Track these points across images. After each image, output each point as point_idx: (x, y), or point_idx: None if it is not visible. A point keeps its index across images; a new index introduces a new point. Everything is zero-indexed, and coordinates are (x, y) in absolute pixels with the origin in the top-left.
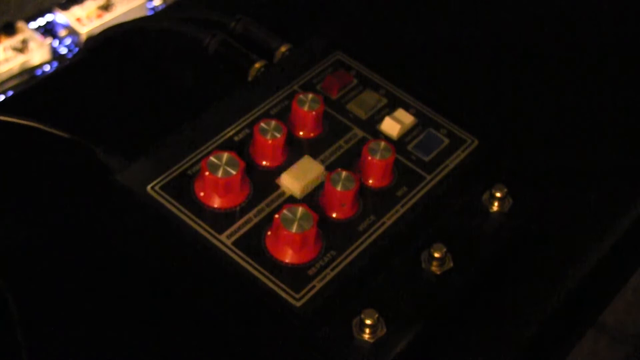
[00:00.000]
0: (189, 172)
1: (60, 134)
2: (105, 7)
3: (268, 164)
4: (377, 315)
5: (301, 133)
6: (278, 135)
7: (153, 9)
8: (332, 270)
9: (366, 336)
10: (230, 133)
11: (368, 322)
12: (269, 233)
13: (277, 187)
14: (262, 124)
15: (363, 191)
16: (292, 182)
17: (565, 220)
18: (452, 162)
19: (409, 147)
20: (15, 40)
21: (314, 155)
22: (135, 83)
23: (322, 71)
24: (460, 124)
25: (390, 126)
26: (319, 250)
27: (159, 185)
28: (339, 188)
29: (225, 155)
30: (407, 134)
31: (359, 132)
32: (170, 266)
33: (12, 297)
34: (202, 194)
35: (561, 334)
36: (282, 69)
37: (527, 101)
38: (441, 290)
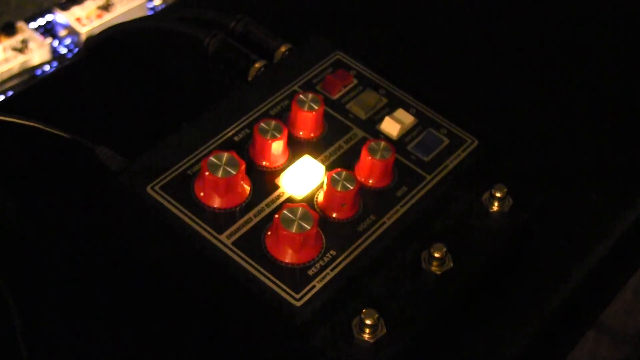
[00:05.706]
0: (189, 172)
1: (60, 134)
2: (105, 7)
3: (268, 164)
4: (377, 315)
5: (301, 133)
6: (278, 135)
7: (153, 9)
8: (332, 270)
9: (366, 336)
10: (230, 133)
11: (368, 322)
12: (269, 233)
13: (277, 187)
14: (262, 124)
15: (363, 191)
16: (292, 182)
17: (565, 220)
18: (452, 162)
19: (409, 147)
20: (15, 40)
21: (314, 155)
22: (135, 83)
23: (322, 71)
24: (460, 124)
25: (390, 126)
26: (319, 250)
27: (159, 185)
28: (339, 188)
29: (225, 155)
30: (407, 134)
31: (359, 132)
32: (170, 266)
33: (12, 297)
34: (202, 194)
35: (561, 334)
36: (282, 69)
37: (527, 101)
38: (441, 290)
